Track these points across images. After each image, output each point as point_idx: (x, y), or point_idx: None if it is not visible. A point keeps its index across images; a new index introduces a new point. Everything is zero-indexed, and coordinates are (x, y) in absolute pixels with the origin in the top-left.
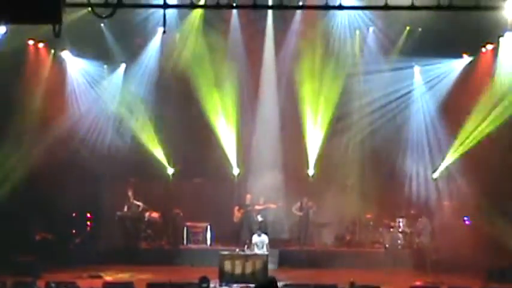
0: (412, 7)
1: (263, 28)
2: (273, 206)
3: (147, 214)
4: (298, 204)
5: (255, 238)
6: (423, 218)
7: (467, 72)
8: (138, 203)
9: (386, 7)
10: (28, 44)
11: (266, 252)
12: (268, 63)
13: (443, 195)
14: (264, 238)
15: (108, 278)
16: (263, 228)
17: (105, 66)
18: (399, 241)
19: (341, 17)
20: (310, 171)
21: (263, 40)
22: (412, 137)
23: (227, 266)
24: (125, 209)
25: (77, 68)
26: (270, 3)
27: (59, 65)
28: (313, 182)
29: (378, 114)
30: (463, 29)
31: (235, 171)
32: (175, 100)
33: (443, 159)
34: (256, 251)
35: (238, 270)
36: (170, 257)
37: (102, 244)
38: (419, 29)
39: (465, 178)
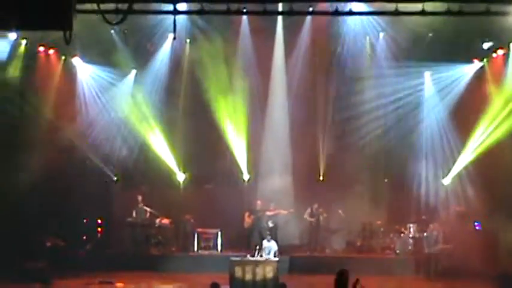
0: (423, 12)
1: (273, 34)
2: (283, 212)
3: (157, 220)
4: (309, 210)
5: (264, 243)
6: (436, 225)
7: (478, 77)
8: (146, 208)
9: (396, 13)
10: (39, 50)
11: (276, 259)
12: (278, 69)
13: (453, 200)
14: (272, 245)
15: (119, 284)
16: (274, 235)
17: (116, 72)
18: (410, 247)
19: (351, 23)
20: (321, 177)
21: (273, 45)
22: (422, 142)
23: (238, 272)
24: (133, 214)
25: (87, 74)
26: (280, 9)
27: (69, 71)
28: (324, 188)
29: (388, 120)
30: (474, 34)
31: (246, 177)
32: (186, 106)
33: (453, 164)
34: (264, 256)
35: (248, 276)
36: (181, 263)
37: (112, 250)
38: (430, 35)
39: (476, 183)
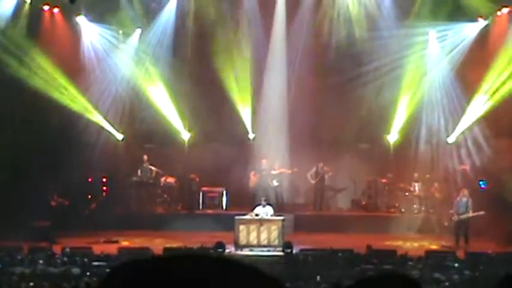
0: None
1: None
2: (288, 171)
3: (163, 179)
4: (314, 169)
5: (259, 209)
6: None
7: (482, 35)
8: (151, 167)
9: None
10: (43, 9)
11: (281, 217)
12: (279, 28)
13: (458, 159)
14: (268, 209)
15: (124, 243)
16: (279, 193)
17: (120, 31)
18: (415, 205)
19: None
20: (325, 136)
21: (276, 4)
22: (427, 100)
23: (242, 231)
24: (139, 173)
25: (92, 33)
26: None
27: (74, 31)
28: (329, 147)
29: (392, 78)
30: None
31: (251, 136)
32: (191, 65)
33: (458, 123)
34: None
35: (253, 235)
36: (186, 222)
37: (118, 209)
38: None
39: (480, 142)
